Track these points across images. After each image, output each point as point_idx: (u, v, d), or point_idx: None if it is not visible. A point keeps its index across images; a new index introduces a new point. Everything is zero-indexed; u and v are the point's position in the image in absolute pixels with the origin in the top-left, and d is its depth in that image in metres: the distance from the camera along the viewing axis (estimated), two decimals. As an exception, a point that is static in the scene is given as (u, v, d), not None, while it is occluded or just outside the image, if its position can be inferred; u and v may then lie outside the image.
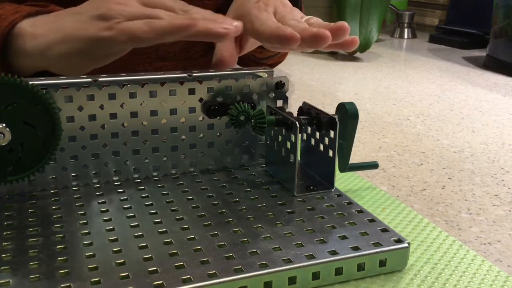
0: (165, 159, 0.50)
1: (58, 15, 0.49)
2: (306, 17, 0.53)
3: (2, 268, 0.35)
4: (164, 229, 0.40)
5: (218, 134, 0.52)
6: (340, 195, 0.47)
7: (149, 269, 0.35)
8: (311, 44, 0.46)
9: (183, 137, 0.50)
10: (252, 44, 0.57)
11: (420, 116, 0.95)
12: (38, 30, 0.47)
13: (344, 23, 0.48)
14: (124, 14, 0.45)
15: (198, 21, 0.44)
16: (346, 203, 0.45)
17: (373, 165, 0.53)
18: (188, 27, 0.43)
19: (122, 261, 0.36)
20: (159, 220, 0.42)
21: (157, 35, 0.44)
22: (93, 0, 0.48)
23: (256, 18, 0.52)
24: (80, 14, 0.47)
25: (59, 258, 0.36)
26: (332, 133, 0.47)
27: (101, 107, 0.46)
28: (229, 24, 0.45)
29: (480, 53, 1.88)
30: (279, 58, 0.76)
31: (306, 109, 0.50)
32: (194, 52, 0.73)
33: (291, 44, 0.46)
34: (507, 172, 0.67)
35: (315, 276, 0.37)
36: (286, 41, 0.46)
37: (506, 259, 0.45)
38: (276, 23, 0.50)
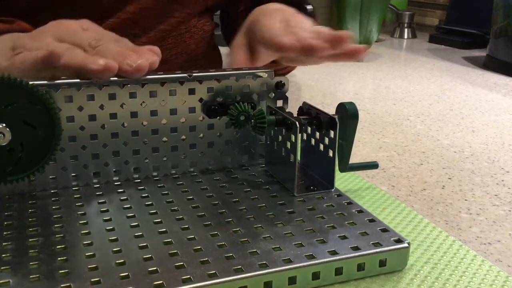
0: (165, 159, 0.50)
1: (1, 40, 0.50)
2: (316, 27, 0.53)
3: (2, 268, 0.35)
4: (164, 229, 0.40)
5: (218, 134, 0.52)
6: (340, 195, 0.47)
7: (149, 269, 0.35)
8: (306, 53, 0.48)
9: (183, 137, 0.50)
10: (265, 58, 0.57)
11: (420, 116, 0.95)
12: None
13: (343, 33, 0.48)
14: (27, 47, 0.45)
15: (62, 54, 0.43)
16: (346, 203, 0.45)
17: (373, 165, 0.53)
18: (47, 58, 0.43)
19: (122, 261, 0.36)
20: (159, 220, 0.42)
21: (29, 66, 0.43)
22: (24, 35, 0.49)
23: (263, 24, 0.52)
24: (5, 42, 0.48)
25: (59, 258, 0.36)
26: (332, 133, 0.47)
27: (101, 107, 0.46)
28: (131, 62, 0.44)
29: (480, 53, 1.88)
30: (289, 69, 0.77)
31: (306, 109, 0.50)
32: (195, 54, 0.73)
33: (287, 52, 0.48)
34: (507, 172, 0.67)
35: (315, 276, 0.37)
36: (283, 49, 0.48)
37: (506, 259, 0.45)
38: (279, 30, 0.50)
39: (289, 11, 0.57)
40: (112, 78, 0.46)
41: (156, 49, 0.47)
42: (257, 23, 0.54)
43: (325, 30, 0.52)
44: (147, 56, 0.46)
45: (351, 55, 0.50)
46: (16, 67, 0.44)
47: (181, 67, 0.71)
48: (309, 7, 0.65)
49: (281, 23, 0.54)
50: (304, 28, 0.52)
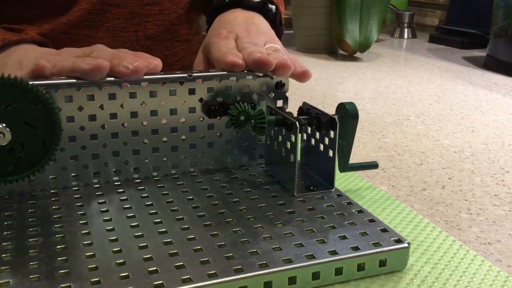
0: (165, 159, 0.50)
1: (3, 57, 0.52)
2: (270, 45, 0.53)
3: (2, 268, 0.35)
4: (164, 229, 0.40)
5: (218, 134, 0.52)
6: (340, 195, 0.47)
7: (149, 269, 0.35)
8: (255, 69, 0.49)
9: (183, 137, 0.50)
10: None
11: (420, 116, 0.95)
12: None
13: (287, 62, 0.49)
14: (28, 64, 0.46)
15: (55, 62, 0.45)
16: (346, 203, 0.45)
17: (373, 165, 0.53)
18: (35, 71, 0.44)
19: (122, 261, 0.36)
20: (159, 220, 0.42)
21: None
22: (32, 52, 0.51)
23: (213, 44, 0.54)
24: (14, 63, 0.49)
25: (59, 258, 0.36)
26: (332, 133, 0.47)
27: (101, 107, 0.46)
28: (128, 64, 0.45)
29: (480, 53, 1.88)
30: None
31: (306, 109, 0.50)
32: (178, 35, 0.74)
33: (235, 69, 0.49)
34: (507, 172, 0.67)
35: (315, 276, 0.37)
36: (230, 68, 0.49)
37: (506, 259, 0.45)
38: (226, 48, 0.51)
39: (246, 24, 0.58)
40: (112, 78, 0.46)
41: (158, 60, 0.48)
42: (210, 44, 0.55)
43: (277, 48, 0.52)
44: (149, 60, 0.46)
45: (298, 78, 0.52)
46: None
47: (163, 44, 0.72)
48: (272, 6, 0.65)
49: (232, 40, 0.55)
50: (254, 43, 0.53)
